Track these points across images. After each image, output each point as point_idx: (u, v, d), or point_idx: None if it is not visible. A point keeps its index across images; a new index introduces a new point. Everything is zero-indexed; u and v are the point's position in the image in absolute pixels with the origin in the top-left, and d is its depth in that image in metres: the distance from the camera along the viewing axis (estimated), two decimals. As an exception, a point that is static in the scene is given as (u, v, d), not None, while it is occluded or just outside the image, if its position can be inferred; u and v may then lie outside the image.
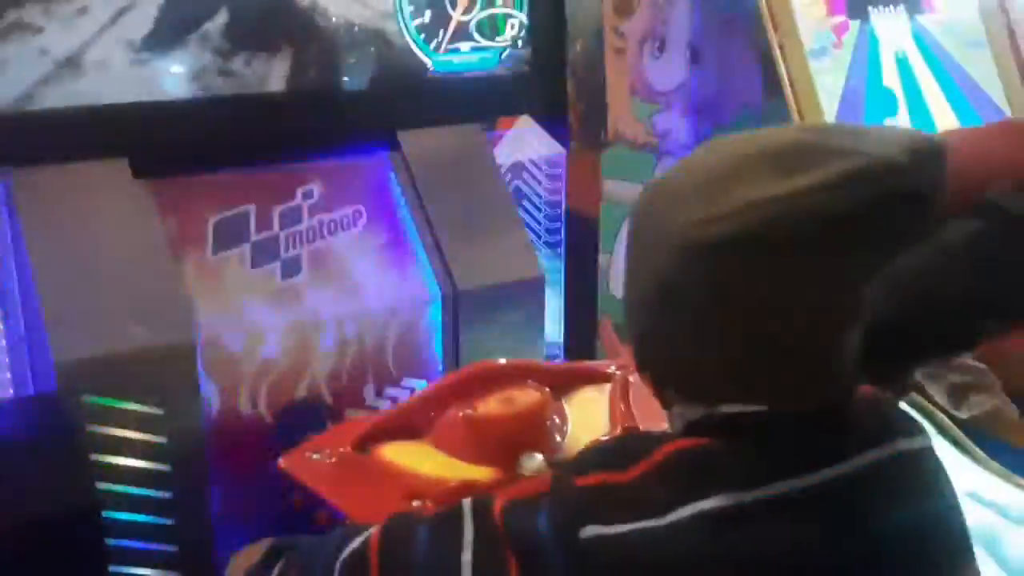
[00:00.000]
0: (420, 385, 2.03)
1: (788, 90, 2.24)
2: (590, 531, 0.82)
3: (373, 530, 0.97)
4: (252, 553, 1.14)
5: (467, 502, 0.92)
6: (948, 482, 0.93)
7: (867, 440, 0.88)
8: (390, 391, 2.04)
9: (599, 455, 0.91)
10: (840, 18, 2.39)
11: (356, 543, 0.97)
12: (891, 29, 2.49)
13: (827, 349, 0.85)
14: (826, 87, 2.29)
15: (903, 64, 2.48)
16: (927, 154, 0.84)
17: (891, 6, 2.48)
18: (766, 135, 0.87)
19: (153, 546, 1.77)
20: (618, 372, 1.59)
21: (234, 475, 1.88)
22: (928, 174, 0.84)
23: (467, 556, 0.88)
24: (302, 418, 1.91)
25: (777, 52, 2.25)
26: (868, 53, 2.44)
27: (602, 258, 2.81)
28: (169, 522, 1.78)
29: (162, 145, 1.88)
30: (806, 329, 0.83)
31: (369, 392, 2.01)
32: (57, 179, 1.77)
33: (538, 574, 0.85)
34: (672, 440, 0.88)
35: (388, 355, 2.02)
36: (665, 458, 0.85)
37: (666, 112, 2.60)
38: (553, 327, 2.47)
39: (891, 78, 2.45)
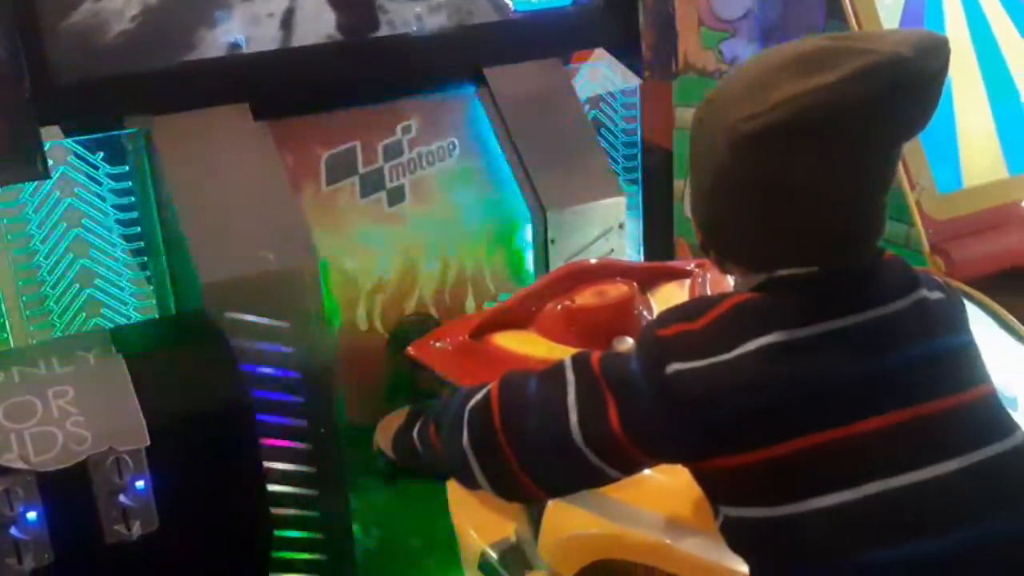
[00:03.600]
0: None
1: (849, 10, 2.35)
2: (673, 367, 1.02)
3: (492, 384, 1.18)
4: (396, 418, 1.36)
5: (567, 358, 1.13)
6: (965, 325, 1.11)
7: (897, 289, 1.06)
8: (488, 305, 2.25)
9: (675, 312, 1.10)
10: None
11: (479, 395, 1.18)
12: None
13: (859, 214, 1.04)
14: (886, 5, 2.39)
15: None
16: (931, 49, 1.00)
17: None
18: (796, 44, 1.04)
19: (290, 444, 2.01)
20: (696, 269, 1.77)
21: (355, 381, 2.12)
22: (931, 66, 1.00)
23: (571, 396, 1.08)
24: (411, 332, 2.13)
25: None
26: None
27: (676, 183, 2.97)
28: (302, 423, 2.02)
29: (277, 90, 2.09)
30: (838, 199, 1.02)
31: (470, 306, 2.23)
32: (190, 124, 2.01)
33: (631, 405, 1.04)
34: (734, 295, 1.07)
35: (485, 273, 2.23)
36: (730, 307, 1.05)
37: (734, 39, 2.73)
38: (632, 250, 2.65)
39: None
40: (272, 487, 1.96)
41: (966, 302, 2.07)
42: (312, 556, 2.11)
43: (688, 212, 2.93)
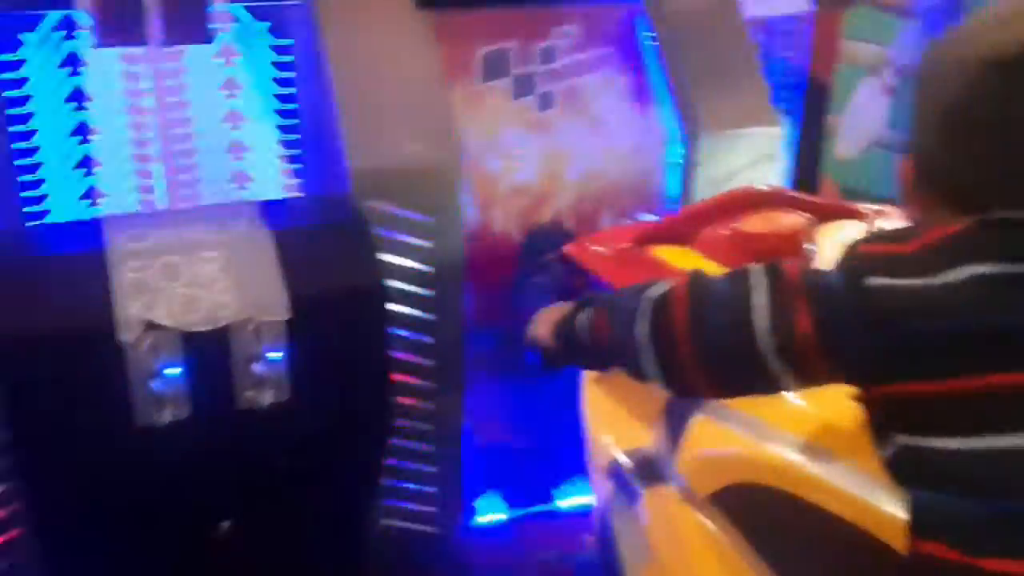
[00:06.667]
0: (650, 219, 2.18)
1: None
2: (876, 280, 0.99)
3: (676, 280, 1.15)
4: (557, 310, 1.35)
5: (754, 265, 1.10)
6: None
7: None
8: (624, 222, 2.21)
9: (882, 234, 1.06)
10: None
11: (661, 288, 1.16)
12: None
13: None
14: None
15: None
16: None
17: None
18: None
19: (417, 336, 2.04)
20: (872, 213, 1.68)
21: (484, 283, 2.12)
22: None
23: (764, 298, 1.05)
24: (545, 240, 2.11)
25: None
26: None
27: (829, 119, 2.85)
28: (431, 317, 2.04)
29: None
30: None
31: (606, 222, 2.20)
32: (352, 5, 1.99)
33: (828, 310, 1.01)
34: (947, 225, 1.02)
35: (627, 189, 2.19)
36: (944, 235, 1.00)
37: (918, -27, 2.57)
38: (778, 184, 2.55)
39: None
40: (395, 376, 1.99)
41: None
42: (424, 447, 2.15)
43: (838, 151, 2.81)
